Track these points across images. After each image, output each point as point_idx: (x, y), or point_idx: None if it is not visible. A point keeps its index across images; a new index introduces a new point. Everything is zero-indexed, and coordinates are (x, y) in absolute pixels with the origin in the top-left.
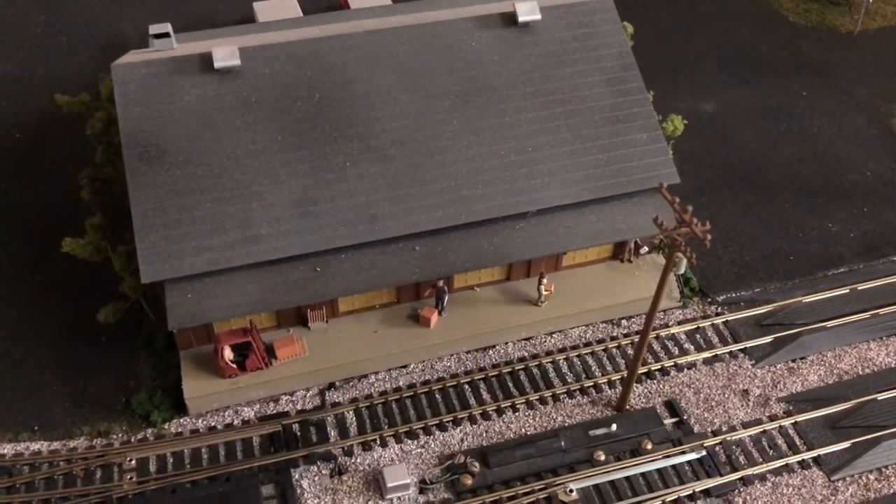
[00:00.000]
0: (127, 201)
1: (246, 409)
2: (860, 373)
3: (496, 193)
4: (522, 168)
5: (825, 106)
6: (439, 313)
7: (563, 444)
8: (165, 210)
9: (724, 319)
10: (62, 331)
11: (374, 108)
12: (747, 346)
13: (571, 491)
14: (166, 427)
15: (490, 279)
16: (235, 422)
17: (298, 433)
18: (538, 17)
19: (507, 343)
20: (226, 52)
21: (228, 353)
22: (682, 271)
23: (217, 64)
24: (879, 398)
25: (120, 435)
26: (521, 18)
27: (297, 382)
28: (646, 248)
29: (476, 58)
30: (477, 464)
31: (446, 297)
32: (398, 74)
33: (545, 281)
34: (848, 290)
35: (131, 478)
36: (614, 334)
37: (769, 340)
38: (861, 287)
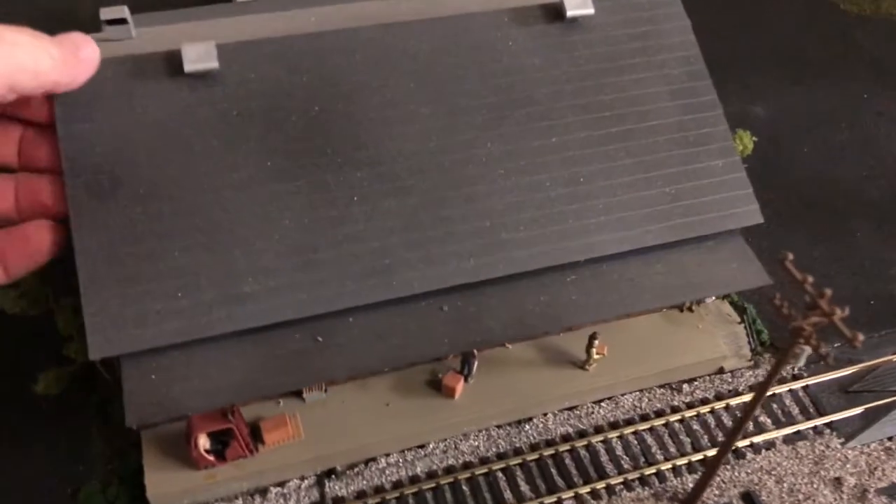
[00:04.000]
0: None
1: None
2: None
3: (541, 237)
4: (573, 204)
5: (891, 110)
6: (465, 380)
7: None
8: (121, 260)
9: (803, 384)
10: None
11: (388, 126)
12: (834, 419)
13: None
14: None
15: None
16: None
17: None
18: (591, 10)
19: (546, 416)
20: (199, 52)
21: (204, 443)
22: (802, 363)
23: (188, 67)
24: None
25: None
26: (569, 12)
27: (290, 471)
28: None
29: (513, 61)
30: None
31: (476, 364)
32: (417, 81)
33: (597, 342)
34: None
35: None
36: (675, 403)
37: (859, 412)
38: None
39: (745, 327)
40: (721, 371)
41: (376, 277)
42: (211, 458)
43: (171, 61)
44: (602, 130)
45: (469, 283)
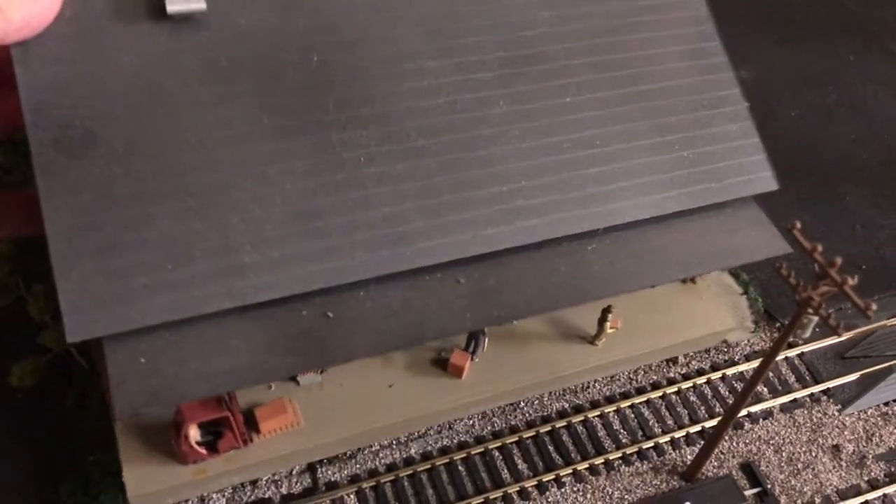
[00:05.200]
0: None
1: (216, 495)
2: None
3: (561, 203)
4: (591, 168)
5: (878, 73)
6: (472, 358)
7: None
8: (100, 228)
9: (799, 351)
10: None
11: (395, 80)
12: (830, 386)
13: None
14: None
15: None
16: None
17: None
18: None
19: (541, 392)
20: None
21: (195, 434)
22: (808, 334)
23: (171, 7)
24: None
25: None
26: None
27: (286, 462)
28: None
29: (523, 15)
30: None
31: (485, 340)
32: (422, 32)
33: (611, 315)
34: None
35: None
36: (671, 375)
37: (855, 378)
38: None
39: (748, 297)
40: (725, 343)
41: (389, 247)
42: (202, 451)
43: (152, 0)
44: (617, 90)
45: (487, 254)
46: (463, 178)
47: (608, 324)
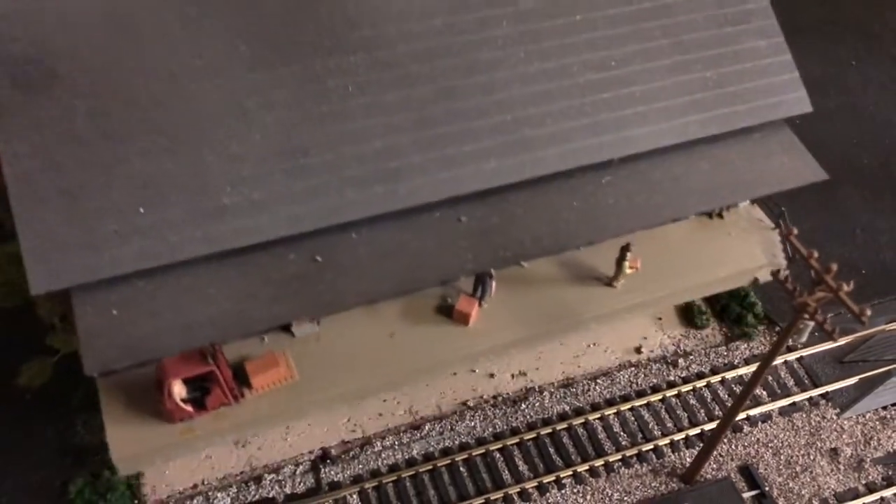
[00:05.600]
0: None
1: (220, 495)
2: None
3: (571, 132)
4: (605, 92)
5: (880, 77)
6: (480, 304)
7: None
8: (64, 169)
9: (798, 356)
10: None
11: (384, 1)
12: (829, 390)
13: None
14: None
15: None
16: None
17: None
18: None
19: (542, 394)
20: None
21: (180, 391)
22: (804, 339)
23: None
24: None
25: None
26: None
27: (282, 419)
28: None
29: None
30: None
31: (492, 284)
32: None
33: (630, 254)
34: None
35: None
36: (671, 378)
37: (854, 382)
38: None
39: (780, 230)
40: (755, 283)
41: (382, 184)
42: (188, 408)
43: None
44: (633, 6)
45: (490, 189)
46: (462, 107)
47: (627, 263)
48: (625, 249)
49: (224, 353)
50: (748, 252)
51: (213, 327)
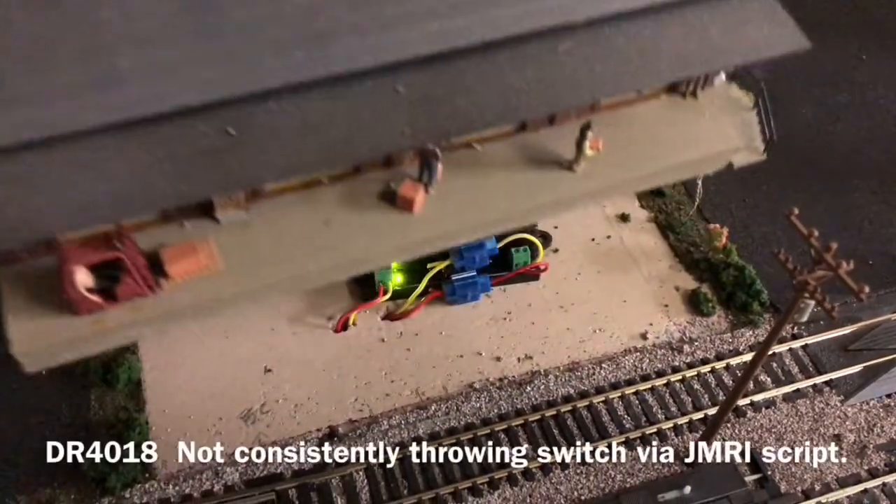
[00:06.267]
0: None
1: (229, 469)
2: None
3: None
4: None
5: (890, 72)
6: (426, 189)
7: None
8: None
9: (802, 343)
10: None
11: None
12: (833, 377)
13: None
14: (127, 496)
15: (496, 131)
16: (216, 488)
17: (297, 502)
18: None
19: (547, 377)
20: None
21: (84, 279)
22: (805, 319)
23: None
24: None
25: None
26: None
27: (206, 310)
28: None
29: None
30: None
31: (439, 166)
32: None
33: (591, 134)
34: None
35: None
36: (675, 363)
37: (858, 370)
38: None
39: (759, 113)
40: (730, 167)
41: (306, 47)
42: (96, 299)
43: None
44: None
45: (433, 55)
46: None
47: (588, 143)
48: (585, 129)
49: (136, 241)
50: (723, 134)
51: (112, 205)
